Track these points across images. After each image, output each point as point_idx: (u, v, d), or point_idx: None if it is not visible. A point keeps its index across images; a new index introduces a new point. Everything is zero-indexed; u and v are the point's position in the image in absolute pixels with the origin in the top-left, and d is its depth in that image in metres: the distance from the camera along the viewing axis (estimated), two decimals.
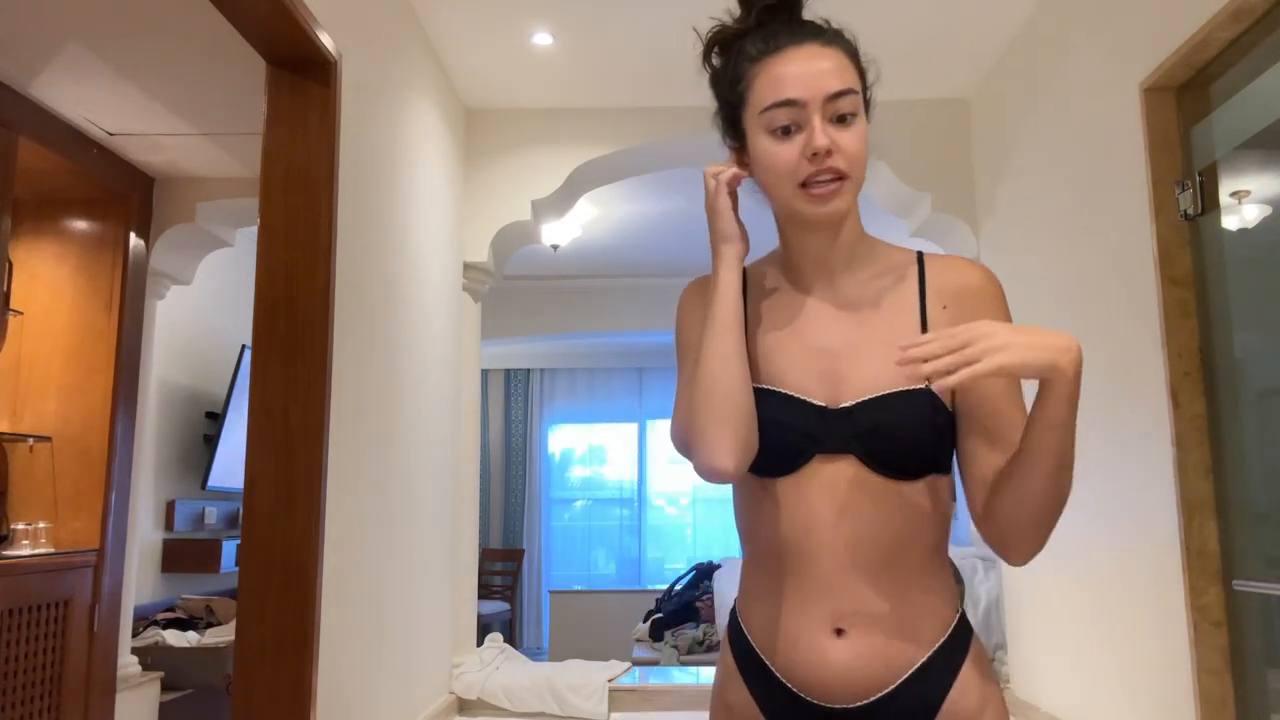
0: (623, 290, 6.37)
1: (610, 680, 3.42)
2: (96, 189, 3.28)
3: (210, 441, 4.34)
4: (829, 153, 0.97)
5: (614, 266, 6.11)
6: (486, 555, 7.48)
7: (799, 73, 0.98)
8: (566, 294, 6.37)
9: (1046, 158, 2.88)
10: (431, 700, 3.09)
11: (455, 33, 3.08)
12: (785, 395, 1.02)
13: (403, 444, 2.78)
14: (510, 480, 7.86)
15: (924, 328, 1.03)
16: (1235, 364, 2.03)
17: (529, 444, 7.88)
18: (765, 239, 1.14)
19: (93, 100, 2.92)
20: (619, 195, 4.82)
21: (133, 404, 3.30)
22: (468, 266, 3.61)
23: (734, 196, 1.07)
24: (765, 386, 1.04)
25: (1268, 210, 1.93)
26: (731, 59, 1.05)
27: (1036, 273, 2.94)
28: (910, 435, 0.98)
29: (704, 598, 5.41)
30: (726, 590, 4.82)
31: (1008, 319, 1.03)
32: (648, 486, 7.90)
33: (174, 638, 3.69)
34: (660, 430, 7.96)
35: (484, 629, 5.87)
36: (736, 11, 1.06)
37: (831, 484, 0.99)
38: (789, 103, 0.98)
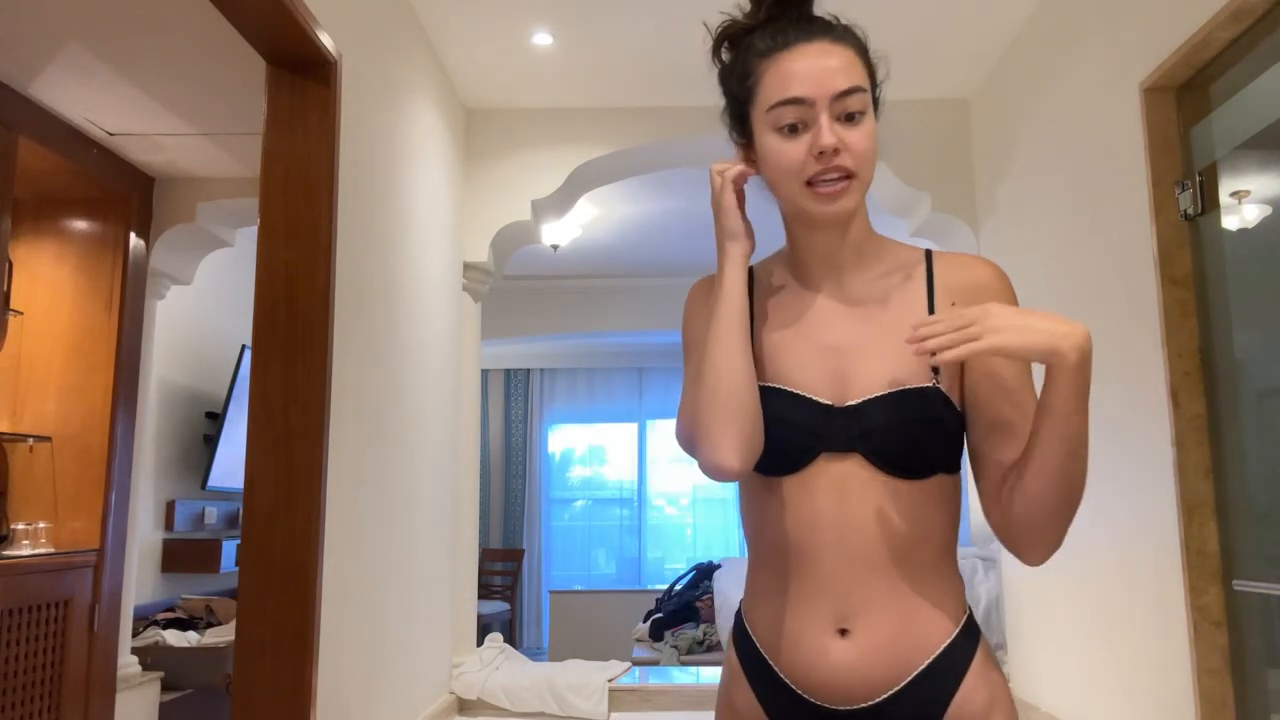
0: (623, 290, 6.37)
1: (610, 680, 3.42)
2: (96, 189, 3.28)
3: (210, 441, 4.34)
4: (836, 151, 0.96)
5: (614, 266, 6.11)
6: (486, 555, 7.48)
7: (807, 70, 0.97)
8: (566, 294, 6.37)
9: (1047, 157, 2.88)
10: (431, 700, 3.09)
11: (455, 33, 3.08)
12: (790, 393, 1.02)
13: (403, 444, 2.78)
14: (510, 480, 7.86)
15: None
16: (1235, 364, 2.03)
17: (529, 444, 7.88)
18: (774, 236, 1.14)
19: (93, 100, 2.92)
20: (619, 195, 4.82)
21: (133, 404, 3.30)
22: (468, 266, 3.61)
23: (741, 194, 1.06)
24: (771, 385, 1.03)
25: (1268, 210, 1.93)
26: (740, 54, 1.05)
27: (1036, 272, 2.94)
28: (917, 434, 0.97)
29: (704, 598, 5.41)
30: (726, 590, 4.82)
31: None
32: (648, 486, 7.90)
33: (174, 638, 3.69)
34: (660, 430, 7.96)
35: (484, 629, 5.87)
36: (746, 6, 1.05)
37: (837, 483, 0.98)
38: (796, 100, 0.97)
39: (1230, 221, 2.04)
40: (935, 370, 1.00)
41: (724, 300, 1.02)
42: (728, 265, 1.03)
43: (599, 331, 6.45)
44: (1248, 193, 1.98)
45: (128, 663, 3.37)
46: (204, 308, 4.49)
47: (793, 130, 0.98)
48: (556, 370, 8.00)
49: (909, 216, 3.75)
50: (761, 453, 1.00)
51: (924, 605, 0.98)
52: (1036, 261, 2.95)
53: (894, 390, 0.98)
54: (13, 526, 3.00)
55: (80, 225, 3.31)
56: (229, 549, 4.26)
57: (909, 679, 0.97)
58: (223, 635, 3.79)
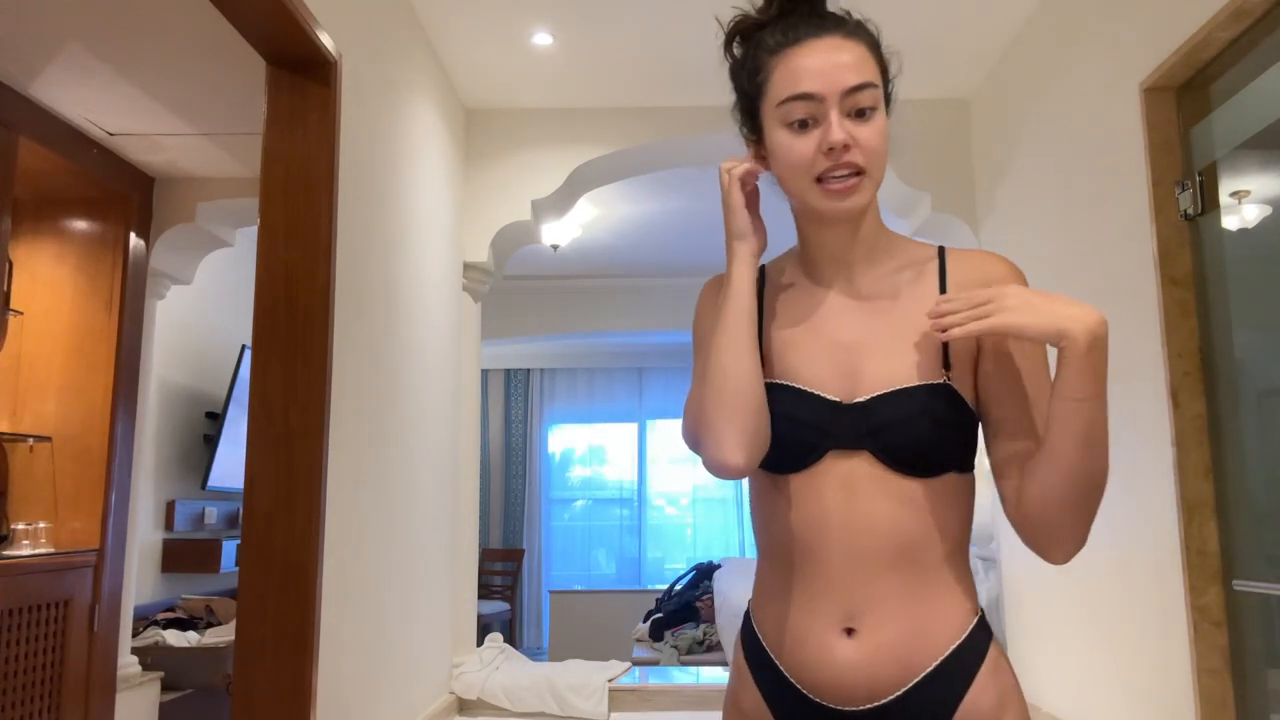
0: (623, 290, 6.37)
1: (610, 680, 3.42)
2: (96, 189, 3.28)
3: (210, 441, 4.34)
4: (846, 148, 0.95)
5: (614, 266, 6.11)
6: (486, 555, 7.49)
7: (817, 66, 0.96)
8: (566, 294, 6.37)
9: (1046, 157, 2.88)
10: (431, 700, 3.09)
11: (455, 33, 3.08)
12: (798, 390, 1.01)
13: (403, 444, 2.78)
14: (510, 480, 7.86)
15: None
16: (1235, 364, 2.03)
17: (529, 444, 7.88)
18: (788, 234, 1.13)
19: (93, 100, 2.92)
20: (619, 195, 4.81)
21: (133, 404, 3.31)
22: (468, 266, 3.61)
23: (755, 192, 1.06)
24: (779, 381, 1.02)
25: (1268, 210, 1.93)
26: (751, 50, 1.04)
27: (1036, 272, 2.94)
28: (926, 431, 0.96)
29: (704, 598, 5.41)
30: (726, 590, 4.81)
31: None
32: (648, 486, 7.90)
33: (174, 638, 3.69)
34: (660, 430, 7.96)
35: (484, 629, 5.87)
36: (758, 2, 1.04)
37: (845, 480, 0.97)
38: (806, 96, 0.96)
39: (1230, 221, 2.04)
40: (947, 367, 0.99)
41: (730, 298, 1.01)
42: (735, 263, 1.03)
43: (599, 331, 6.45)
44: (1248, 193, 1.98)
45: (128, 663, 3.37)
46: (204, 308, 4.49)
47: (803, 126, 0.97)
48: (556, 370, 8.00)
49: (909, 217, 3.76)
50: (768, 449, 1.00)
51: (933, 605, 0.97)
52: (1036, 261, 2.95)
53: (904, 387, 0.97)
54: (13, 526, 3.00)
55: (80, 225, 3.31)
56: (229, 549, 4.26)
57: (916, 680, 0.95)
58: (223, 635, 3.79)
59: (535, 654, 6.88)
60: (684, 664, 4.68)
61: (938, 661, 0.96)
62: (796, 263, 1.10)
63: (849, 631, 0.96)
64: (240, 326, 4.75)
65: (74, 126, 3.08)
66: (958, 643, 0.97)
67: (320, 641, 2.06)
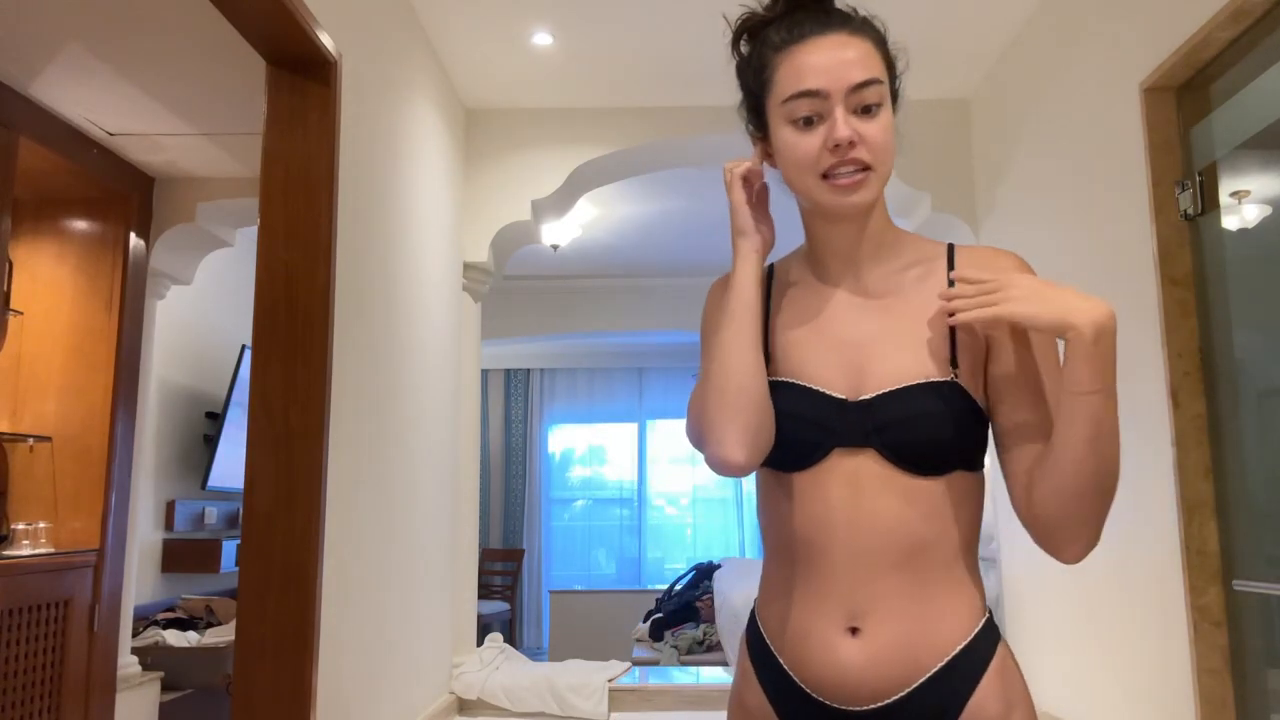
0: (623, 290, 6.37)
1: (610, 680, 3.42)
2: (96, 189, 3.28)
3: (210, 441, 4.34)
4: (852, 144, 0.95)
5: (614, 266, 6.11)
6: (486, 555, 7.49)
7: (822, 62, 0.96)
8: (566, 294, 6.38)
9: (1046, 157, 2.88)
10: (431, 700, 3.09)
11: (455, 33, 3.08)
12: (803, 387, 1.00)
13: (403, 444, 2.78)
14: (510, 480, 7.86)
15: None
16: (1235, 364, 2.03)
17: (529, 444, 7.88)
18: (796, 234, 1.13)
19: (93, 100, 2.92)
20: (619, 195, 4.82)
21: (133, 404, 3.31)
22: (468, 266, 3.61)
23: (764, 190, 1.06)
24: (784, 379, 1.02)
25: (1268, 210, 1.93)
26: (756, 47, 1.03)
27: (1036, 272, 2.93)
28: (932, 429, 0.95)
29: (704, 598, 5.41)
30: (726, 590, 4.82)
31: None
32: (648, 486, 7.90)
33: (174, 638, 3.69)
34: (660, 430, 7.96)
35: (484, 629, 5.87)
36: (763, 1, 1.04)
37: (850, 479, 0.97)
38: (811, 93, 0.96)
39: (1230, 221, 2.04)
40: (954, 364, 0.98)
41: (733, 297, 1.01)
42: (738, 260, 1.03)
43: (599, 331, 6.45)
44: (1248, 193, 1.98)
45: (128, 663, 3.37)
46: (204, 308, 4.49)
47: (808, 123, 0.97)
48: (556, 370, 8.00)
49: (909, 217, 3.76)
50: (772, 447, 0.99)
51: (939, 606, 0.96)
52: (1036, 261, 2.95)
53: (910, 384, 0.97)
54: (13, 526, 3.00)
55: (80, 225, 3.31)
56: (229, 549, 4.26)
57: (921, 681, 0.94)
58: (223, 635, 3.79)
59: (535, 654, 6.88)
60: (684, 664, 4.69)
61: (943, 662, 0.95)
62: (804, 261, 1.10)
63: (853, 631, 0.96)
64: (240, 326, 4.75)
65: (74, 126, 3.08)
66: (964, 644, 0.96)
67: (320, 641, 2.06)
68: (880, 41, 1.01)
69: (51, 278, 3.26)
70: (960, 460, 0.97)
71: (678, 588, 5.71)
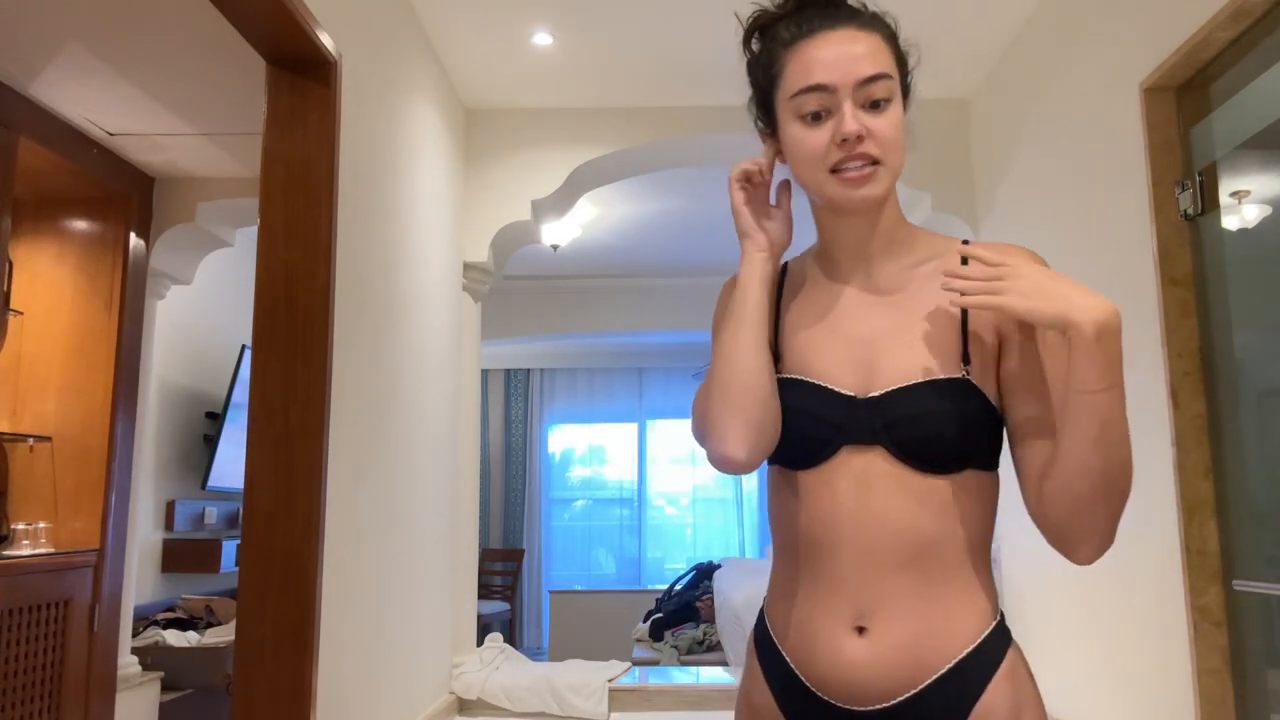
0: (623, 290, 6.37)
1: (610, 680, 3.42)
2: (96, 189, 3.28)
3: (210, 441, 4.34)
4: (860, 139, 0.94)
5: (614, 266, 6.11)
6: (486, 555, 7.49)
7: (830, 57, 0.95)
8: (566, 294, 6.38)
9: (1046, 158, 2.88)
10: (431, 700, 3.09)
11: (455, 33, 3.08)
12: (812, 384, 1.00)
13: (403, 444, 2.78)
14: (510, 480, 7.86)
15: (964, 316, 0.99)
16: (1235, 364, 2.03)
17: (529, 444, 7.88)
18: (807, 233, 1.12)
19: (93, 100, 2.92)
20: (619, 195, 4.82)
21: (133, 404, 3.31)
22: (468, 266, 3.61)
23: (786, 188, 1.05)
24: (793, 376, 1.02)
25: (1268, 210, 1.93)
26: (766, 43, 1.03)
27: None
28: (941, 426, 0.94)
29: (704, 598, 5.41)
30: (727, 590, 4.82)
31: None
32: (648, 486, 7.90)
33: (174, 638, 3.69)
34: (660, 430, 7.96)
35: (484, 629, 5.87)
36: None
37: (859, 476, 0.96)
38: (819, 88, 0.95)
39: (1230, 221, 2.04)
40: (966, 361, 0.97)
41: (736, 295, 1.02)
42: (742, 261, 1.03)
43: (599, 331, 6.45)
44: (1248, 193, 1.98)
45: (128, 663, 3.37)
46: (204, 308, 4.49)
47: (816, 118, 0.96)
48: (556, 370, 8.00)
49: (909, 216, 3.75)
50: (781, 445, 0.99)
51: (949, 606, 0.94)
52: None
53: (919, 381, 0.96)
54: (13, 526, 3.00)
55: (80, 225, 3.31)
56: (229, 549, 4.26)
57: (929, 682, 0.93)
58: (223, 635, 3.79)
59: (535, 654, 6.88)
60: (684, 664, 4.69)
61: (951, 664, 0.93)
62: (816, 258, 1.09)
63: (860, 630, 0.95)
64: (240, 326, 4.75)
65: (74, 126, 3.08)
66: (973, 645, 0.94)
67: (320, 641, 2.06)
68: (891, 37, 1.00)
69: (51, 278, 3.26)
70: (971, 459, 0.96)
71: (678, 588, 5.71)
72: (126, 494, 3.26)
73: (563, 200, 3.77)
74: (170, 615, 3.95)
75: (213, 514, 4.51)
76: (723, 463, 0.97)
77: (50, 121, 2.97)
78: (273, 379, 2.07)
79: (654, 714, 3.37)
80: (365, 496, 2.42)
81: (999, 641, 0.96)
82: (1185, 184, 2.15)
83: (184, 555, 4.21)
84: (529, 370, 7.96)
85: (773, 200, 1.07)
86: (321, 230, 2.12)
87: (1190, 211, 2.13)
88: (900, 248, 1.04)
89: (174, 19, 2.46)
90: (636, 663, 4.15)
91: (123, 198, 3.34)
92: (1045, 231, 2.90)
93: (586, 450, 8.08)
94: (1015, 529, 3.14)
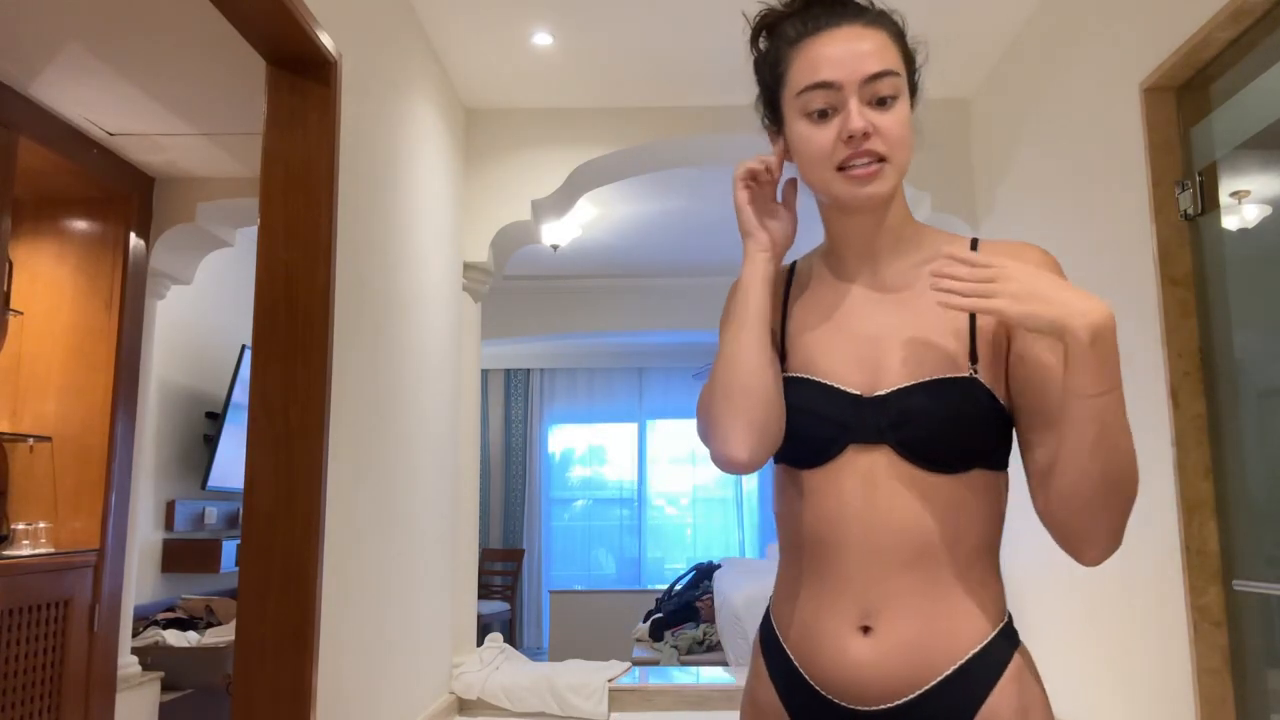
0: (623, 290, 6.37)
1: (610, 680, 3.42)
2: (96, 189, 3.28)
3: (210, 441, 4.34)
4: (866, 135, 0.94)
5: (614, 266, 6.11)
6: (486, 555, 7.49)
7: (836, 54, 0.95)
8: (566, 294, 6.38)
9: (1046, 157, 2.88)
10: (431, 700, 3.09)
11: (455, 33, 3.08)
12: (817, 383, 1.00)
13: (403, 444, 2.78)
14: (510, 480, 7.86)
15: (972, 314, 0.98)
16: (1235, 364, 2.03)
17: (529, 444, 7.88)
18: (814, 233, 1.12)
19: (93, 100, 2.92)
20: (619, 195, 4.82)
21: (133, 404, 3.31)
22: (468, 266, 3.61)
23: (792, 186, 1.05)
24: (799, 374, 1.01)
25: (1268, 210, 1.93)
26: (772, 42, 1.03)
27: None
28: (947, 425, 0.93)
29: (704, 598, 5.41)
30: (727, 590, 4.82)
31: None
32: (648, 486, 7.90)
33: (174, 638, 3.69)
34: (660, 430, 7.96)
35: (484, 629, 5.88)
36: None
37: (865, 475, 0.95)
38: (825, 85, 0.95)
39: (1230, 221, 2.04)
40: (974, 359, 0.96)
41: (738, 295, 1.02)
42: (745, 261, 1.03)
43: (599, 331, 6.45)
44: (1248, 193, 1.98)
45: (128, 663, 3.37)
46: (204, 308, 4.49)
47: (822, 116, 0.96)
48: (556, 370, 8.01)
49: None
50: (787, 444, 0.99)
51: (955, 606, 0.94)
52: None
53: (926, 380, 0.95)
54: (13, 526, 3.00)
55: (80, 225, 3.31)
56: (229, 549, 4.26)
57: (934, 682, 0.92)
58: (223, 635, 3.79)
59: (535, 654, 6.88)
60: (684, 664, 4.69)
61: (957, 665, 0.93)
62: (823, 257, 1.09)
63: (865, 630, 0.94)
64: (240, 326, 4.75)
65: (74, 126, 3.08)
66: (980, 646, 0.94)
67: (320, 641, 2.06)
68: (898, 34, 1.00)
69: (51, 278, 3.26)
70: (979, 458, 0.95)
71: (678, 588, 5.71)
72: (126, 494, 3.26)
73: (563, 200, 3.76)
74: (170, 615, 3.95)
75: (213, 514, 4.51)
76: (725, 463, 0.98)
77: (50, 121, 2.97)
78: (273, 379, 2.07)
79: (654, 714, 3.37)
80: (365, 496, 2.42)
81: (1006, 643, 0.95)
82: (1185, 184, 2.15)
83: (184, 555, 4.21)
84: (529, 370, 7.96)
85: (779, 199, 1.07)
86: (321, 230, 2.12)
87: (1190, 211, 2.13)
88: (908, 245, 1.03)
89: (174, 19, 2.46)
90: (636, 663, 4.15)
91: (123, 198, 3.34)
92: (1045, 231, 2.90)
93: (586, 450, 8.08)
94: (1015, 528, 3.14)
